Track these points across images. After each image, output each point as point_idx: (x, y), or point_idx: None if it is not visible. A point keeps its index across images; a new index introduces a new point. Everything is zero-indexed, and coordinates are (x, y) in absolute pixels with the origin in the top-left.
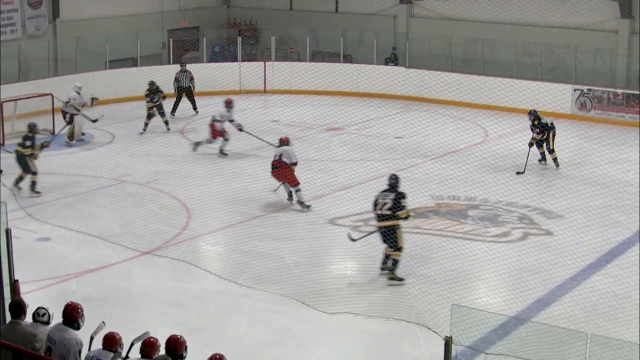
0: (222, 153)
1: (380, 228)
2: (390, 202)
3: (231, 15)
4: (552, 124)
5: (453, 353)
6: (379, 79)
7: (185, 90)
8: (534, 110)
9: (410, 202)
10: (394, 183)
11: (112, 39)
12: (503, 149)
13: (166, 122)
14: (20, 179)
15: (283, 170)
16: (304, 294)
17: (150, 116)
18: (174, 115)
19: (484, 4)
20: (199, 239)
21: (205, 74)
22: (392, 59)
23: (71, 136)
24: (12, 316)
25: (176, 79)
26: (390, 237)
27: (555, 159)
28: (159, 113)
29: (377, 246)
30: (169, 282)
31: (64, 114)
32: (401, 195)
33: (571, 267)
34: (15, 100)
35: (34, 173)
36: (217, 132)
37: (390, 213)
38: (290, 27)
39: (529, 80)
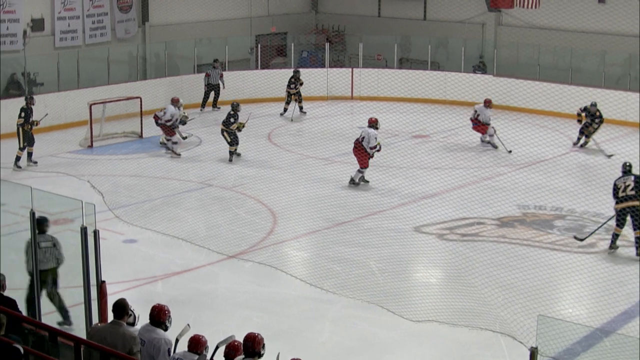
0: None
1: (619, 211)
2: (632, 183)
3: (319, 21)
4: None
5: None
6: (467, 87)
7: (214, 87)
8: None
9: (496, 211)
10: (629, 168)
11: (200, 43)
12: (590, 159)
13: (301, 108)
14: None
15: (359, 151)
16: (388, 301)
17: (288, 102)
18: (202, 110)
19: (573, 13)
20: (285, 244)
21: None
22: (480, 67)
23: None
24: (115, 316)
25: (207, 74)
26: (638, 216)
27: (585, 144)
28: (296, 100)
29: (462, 255)
30: (254, 286)
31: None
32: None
33: None
34: (104, 102)
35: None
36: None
37: (634, 193)
38: (378, 33)
39: (616, 90)
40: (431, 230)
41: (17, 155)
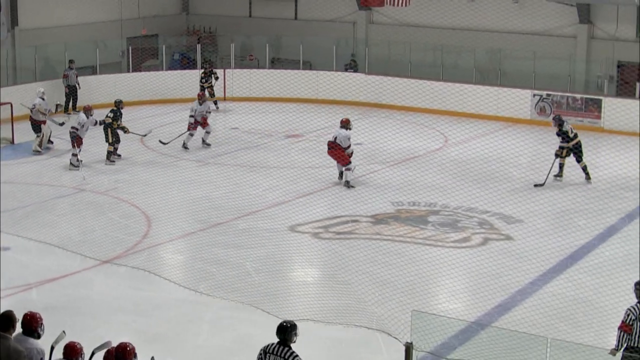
0: None
1: (573, 146)
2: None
3: (190, 22)
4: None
5: (414, 359)
6: (339, 85)
7: (71, 87)
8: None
9: (370, 209)
10: (559, 118)
11: (71, 47)
12: (463, 155)
13: (215, 102)
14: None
15: (336, 151)
16: (264, 301)
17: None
18: (67, 112)
19: (443, 11)
20: (159, 247)
21: (165, 81)
22: (352, 66)
23: (40, 144)
24: (1, 329)
25: (65, 76)
26: (579, 151)
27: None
28: (210, 94)
29: (336, 253)
30: (130, 290)
31: (33, 121)
32: None
33: (531, 272)
34: None
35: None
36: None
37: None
38: (249, 34)
39: (488, 86)
40: (306, 229)
41: None
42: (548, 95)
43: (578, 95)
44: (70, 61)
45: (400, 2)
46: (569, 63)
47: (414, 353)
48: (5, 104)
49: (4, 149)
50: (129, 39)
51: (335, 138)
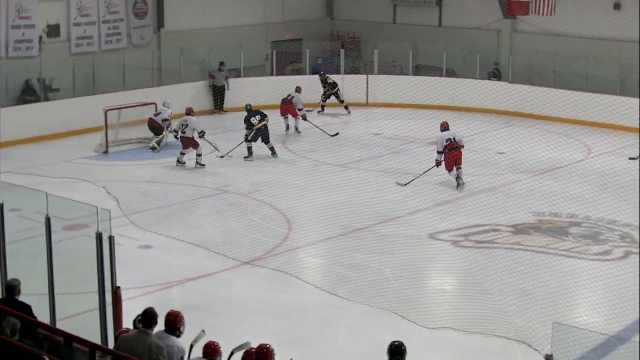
0: None
1: None
2: None
3: (335, 28)
4: None
5: None
6: (482, 93)
7: (219, 88)
8: None
9: (512, 219)
10: None
11: (215, 49)
12: (606, 167)
13: (346, 107)
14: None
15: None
16: (403, 308)
17: (326, 99)
18: (216, 111)
19: (588, 20)
20: (300, 250)
21: (308, 86)
22: (495, 74)
23: (159, 142)
24: (144, 325)
25: (212, 76)
26: None
27: None
28: (339, 101)
29: (477, 262)
30: (269, 292)
31: (156, 125)
32: None
33: None
34: (120, 109)
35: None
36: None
37: None
38: (393, 40)
39: (633, 97)
40: (446, 237)
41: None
42: None
43: None
44: (221, 63)
45: (546, 11)
46: None
47: None
48: (149, 104)
49: (148, 148)
50: (273, 42)
51: (454, 138)
